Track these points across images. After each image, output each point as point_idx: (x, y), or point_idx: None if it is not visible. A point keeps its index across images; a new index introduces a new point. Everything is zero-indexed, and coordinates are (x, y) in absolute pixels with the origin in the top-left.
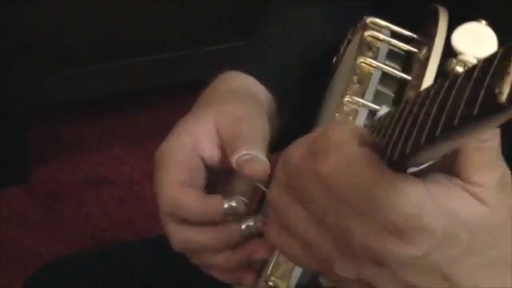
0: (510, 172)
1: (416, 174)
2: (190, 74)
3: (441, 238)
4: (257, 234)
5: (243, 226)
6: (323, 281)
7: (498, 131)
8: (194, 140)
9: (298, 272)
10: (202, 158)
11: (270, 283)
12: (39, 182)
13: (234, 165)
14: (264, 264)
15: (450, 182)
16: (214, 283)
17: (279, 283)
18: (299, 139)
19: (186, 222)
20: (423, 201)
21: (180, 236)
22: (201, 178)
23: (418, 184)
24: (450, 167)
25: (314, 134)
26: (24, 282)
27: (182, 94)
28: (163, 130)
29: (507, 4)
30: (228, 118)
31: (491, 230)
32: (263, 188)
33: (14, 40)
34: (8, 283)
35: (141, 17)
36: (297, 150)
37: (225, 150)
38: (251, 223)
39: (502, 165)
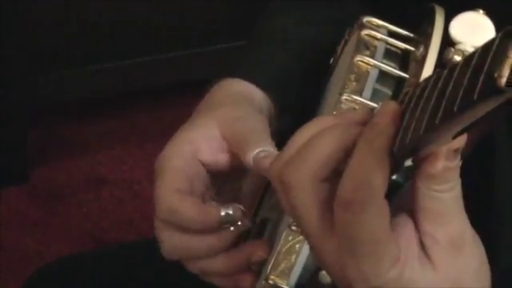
0: (473, 235)
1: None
2: (190, 74)
3: None
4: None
5: (222, 213)
6: (322, 278)
7: (459, 188)
8: (194, 147)
9: (297, 270)
10: (204, 165)
11: (270, 281)
12: (39, 182)
13: (251, 163)
14: (263, 264)
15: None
16: (213, 283)
17: (279, 281)
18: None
19: (181, 229)
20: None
21: (172, 243)
22: (200, 185)
23: (393, 251)
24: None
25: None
26: (24, 282)
27: (182, 94)
28: (163, 130)
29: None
30: (229, 121)
31: None
32: None
33: (13, 40)
34: (8, 283)
35: (141, 17)
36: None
37: (230, 153)
38: (230, 211)
39: (462, 224)
